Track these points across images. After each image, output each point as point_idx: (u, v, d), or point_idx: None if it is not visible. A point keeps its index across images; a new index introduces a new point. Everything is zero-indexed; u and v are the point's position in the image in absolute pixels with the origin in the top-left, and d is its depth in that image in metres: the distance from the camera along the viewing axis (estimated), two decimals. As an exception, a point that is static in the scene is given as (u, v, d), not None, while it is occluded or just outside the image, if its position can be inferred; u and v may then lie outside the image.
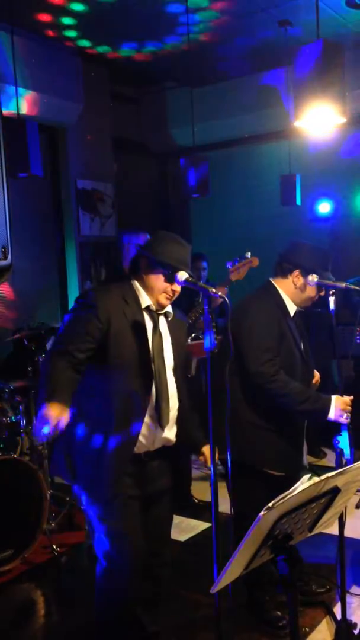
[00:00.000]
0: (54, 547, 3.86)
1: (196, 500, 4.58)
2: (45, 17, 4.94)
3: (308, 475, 1.69)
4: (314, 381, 3.16)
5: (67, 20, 5.02)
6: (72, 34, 5.31)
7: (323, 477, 1.67)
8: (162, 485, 2.58)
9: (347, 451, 2.71)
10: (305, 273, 2.94)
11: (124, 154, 6.83)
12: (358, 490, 3.98)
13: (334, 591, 3.22)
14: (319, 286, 2.95)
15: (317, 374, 3.20)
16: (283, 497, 1.57)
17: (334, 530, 2.62)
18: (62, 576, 3.74)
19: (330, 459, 5.29)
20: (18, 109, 4.39)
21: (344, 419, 2.77)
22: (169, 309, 2.55)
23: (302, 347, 3.03)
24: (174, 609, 3.15)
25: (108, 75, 6.29)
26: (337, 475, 1.72)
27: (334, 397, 2.81)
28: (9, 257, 1.55)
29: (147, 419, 2.42)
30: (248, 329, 2.87)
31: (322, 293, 2.98)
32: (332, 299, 2.85)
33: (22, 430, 4.10)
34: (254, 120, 6.47)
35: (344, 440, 2.73)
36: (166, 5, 4.75)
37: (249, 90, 6.40)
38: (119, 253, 4.01)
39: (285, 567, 1.72)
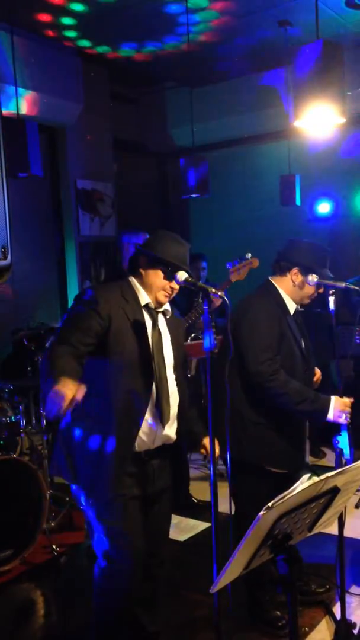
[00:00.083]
0: (54, 547, 3.86)
1: (195, 500, 4.58)
2: (45, 17, 4.94)
3: (308, 475, 1.69)
4: (315, 379, 3.16)
5: (67, 20, 5.03)
6: (72, 34, 5.31)
7: (322, 477, 1.67)
8: (162, 484, 2.58)
9: (346, 451, 2.72)
10: (303, 271, 2.94)
11: (124, 154, 6.84)
12: (358, 490, 3.98)
13: (333, 591, 3.22)
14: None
15: (318, 372, 3.20)
16: (282, 497, 1.57)
17: (333, 530, 2.63)
18: (61, 576, 3.74)
19: (330, 459, 5.29)
20: (18, 109, 4.39)
21: (343, 419, 2.77)
22: (167, 306, 2.56)
23: (303, 345, 3.04)
24: (173, 609, 3.15)
25: (108, 75, 6.29)
26: (336, 475, 1.72)
27: (333, 398, 2.81)
28: (9, 257, 1.55)
29: (148, 416, 2.42)
30: (248, 328, 2.87)
31: (321, 290, 2.99)
32: (331, 299, 2.85)
33: (21, 430, 4.10)
34: (254, 120, 6.47)
35: (343, 440, 2.74)
36: (166, 5, 4.75)
37: (248, 90, 6.40)
38: (119, 253, 4.02)
39: (285, 567, 1.72)
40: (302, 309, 3.16)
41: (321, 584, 3.25)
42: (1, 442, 3.92)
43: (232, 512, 2.42)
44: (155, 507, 2.58)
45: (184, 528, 4.20)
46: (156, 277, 2.45)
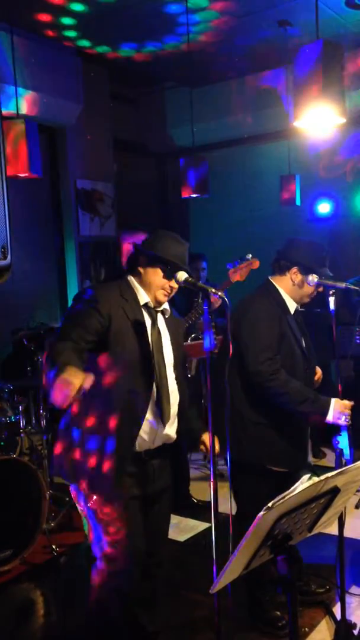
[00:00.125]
0: (53, 547, 3.85)
1: (195, 500, 4.58)
2: (45, 17, 4.94)
3: (307, 475, 1.69)
4: (316, 378, 3.16)
5: (66, 20, 5.02)
6: (71, 34, 5.31)
7: (322, 477, 1.67)
8: (162, 484, 2.58)
9: (346, 451, 2.72)
10: (303, 270, 2.95)
11: (124, 154, 6.83)
12: (358, 491, 3.98)
13: (333, 591, 3.22)
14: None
15: (319, 371, 3.20)
16: (282, 497, 1.57)
17: (333, 530, 2.63)
18: (61, 576, 3.74)
19: (330, 459, 5.29)
20: (18, 109, 4.39)
21: (342, 421, 2.76)
22: (166, 306, 2.56)
23: (304, 344, 3.04)
24: (173, 609, 3.15)
25: (108, 75, 6.29)
26: (336, 475, 1.72)
27: (333, 400, 2.81)
28: (9, 257, 1.55)
29: (148, 415, 2.42)
30: (248, 328, 2.87)
31: (321, 289, 2.99)
32: (331, 299, 2.85)
33: (21, 430, 4.10)
34: (254, 120, 6.47)
35: (343, 441, 2.74)
36: (166, 5, 4.75)
37: (248, 90, 6.40)
38: (119, 253, 4.02)
39: (285, 567, 1.72)
40: (302, 309, 3.16)
41: (321, 584, 3.25)
42: (1, 443, 3.92)
43: (232, 513, 2.42)
44: (155, 507, 2.58)
45: (184, 528, 4.20)
46: (155, 275, 2.45)
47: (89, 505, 2.43)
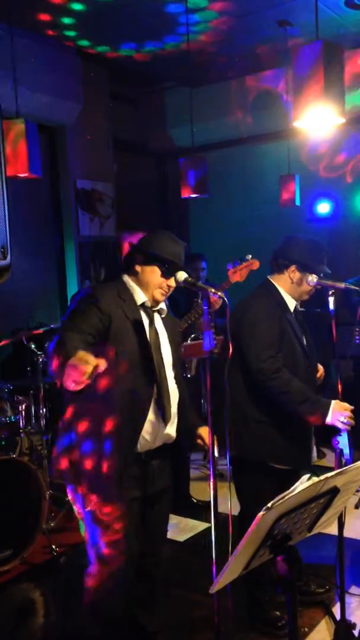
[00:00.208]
0: (53, 547, 3.85)
1: (195, 500, 4.58)
2: (44, 17, 4.94)
3: (307, 476, 1.69)
4: (318, 375, 3.16)
5: (66, 20, 5.02)
6: (71, 33, 5.31)
7: (322, 477, 1.67)
8: (162, 485, 2.58)
9: (346, 451, 2.72)
10: (301, 268, 2.95)
11: (124, 154, 6.83)
12: (357, 491, 3.98)
13: (333, 591, 3.22)
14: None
15: (321, 368, 3.21)
16: (282, 497, 1.57)
17: (333, 530, 2.63)
18: (61, 576, 3.74)
19: (329, 459, 5.29)
20: (17, 109, 4.38)
21: (341, 424, 2.76)
22: (162, 305, 2.55)
23: (305, 342, 3.04)
24: (173, 609, 3.15)
25: (107, 75, 6.29)
26: (336, 475, 1.72)
27: (333, 402, 2.81)
28: (8, 257, 1.55)
29: (150, 415, 2.42)
30: (248, 328, 2.88)
31: (319, 286, 3.00)
32: (331, 299, 2.85)
33: (21, 430, 4.10)
34: (253, 120, 6.47)
35: (343, 441, 2.74)
36: (166, 5, 4.75)
37: (248, 90, 6.40)
38: (119, 253, 4.01)
39: (285, 567, 1.72)
40: (302, 309, 3.16)
41: (321, 585, 3.26)
42: (1, 442, 3.92)
43: (232, 513, 2.42)
44: (155, 507, 2.58)
45: (183, 528, 4.20)
46: (153, 274, 2.45)
47: (88, 507, 2.41)
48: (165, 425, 2.47)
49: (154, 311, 2.52)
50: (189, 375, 4.61)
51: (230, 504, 2.32)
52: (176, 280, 2.41)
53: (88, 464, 2.37)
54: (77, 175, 6.10)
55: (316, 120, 3.22)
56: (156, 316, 2.53)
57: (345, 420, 2.75)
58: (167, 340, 2.55)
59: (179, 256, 2.47)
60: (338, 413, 2.77)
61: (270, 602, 3.04)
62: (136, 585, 2.57)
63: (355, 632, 2.81)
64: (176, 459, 2.64)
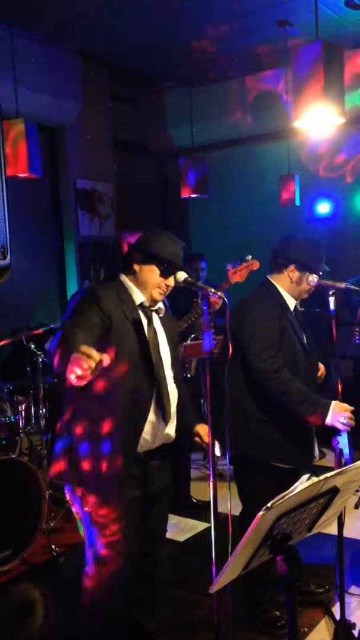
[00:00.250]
0: (53, 547, 3.85)
1: (195, 500, 4.58)
2: (44, 17, 4.92)
3: (307, 475, 1.69)
4: (319, 374, 3.17)
5: (66, 20, 5.01)
6: (71, 33, 5.29)
7: (322, 477, 1.67)
8: (161, 485, 2.57)
9: (346, 451, 2.71)
10: (300, 267, 2.95)
11: (124, 154, 6.83)
12: (357, 491, 3.98)
13: (332, 591, 3.22)
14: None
15: (322, 367, 3.21)
16: (282, 497, 1.57)
17: (332, 530, 2.63)
18: (61, 576, 3.74)
19: (329, 459, 5.29)
20: (17, 109, 4.38)
21: (341, 425, 2.76)
22: (160, 305, 2.55)
23: (305, 341, 3.04)
24: (173, 609, 3.15)
25: (107, 75, 6.29)
26: (336, 475, 1.72)
27: (333, 403, 2.81)
28: (8, 257, 1.55)
29: (150, 416, 2.42)
30: (249, 328, 2.88)
31: (319, 285, 3.00)
32: (332, 300, 2.85)
33: (21, 431, 4.10)
34: (253, 120, 6.47)
35: (343, 441, 2.74)
36: (166, 4, 4.74)
37: (248, 90, 6.40)
38: (119, 253, 4.01)
39: (284, 567, 1.72)
40: (302, 309, 3.16)
41: (320, 584, 3.26)
42: (2, 442, 3.93)
43: (232, 513, 2.42)
44: (155, 507, 2.58)
45: (183, 528, 4.20)
46: (151, 273, 2.44)
47: (86, 508, 2.41)
48: (165, 425, 2.47)
49: (152, 311, 2.52)
50: (188, 375, 4.61)
51: (230, 504, 2.32)
52: (176, 280, 2.41)
53: (87, 464, 2.37)
54: (77, 175, 6.10)
55: (316, 120, 3.23)
56: (154, 316, 2.53)
57: (345, 422, 2.75)
58: (166, 339, 2.55)
59: (178, 256, 2.46)
60: (338, 414, 2.77)
61: (270, 602, 3.04)
62: (136, 585, 2.57)
63: (355, 632, 2.81)
64: (176, 459, 2.64)
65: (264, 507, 1.53)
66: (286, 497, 1.58)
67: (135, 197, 6.96)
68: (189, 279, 2.40)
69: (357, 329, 5.04)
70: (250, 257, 3.87)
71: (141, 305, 2.47)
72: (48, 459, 4.13)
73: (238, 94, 6.47)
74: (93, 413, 2.37)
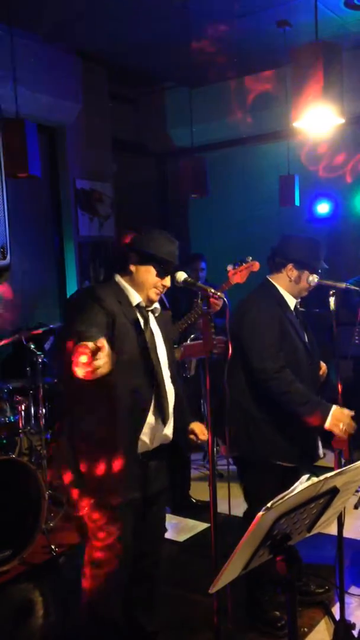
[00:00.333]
0: (53, 547, 3.85)
1: (195, 501, 4.58)
2: (44, 17, 4.92)
3: (307, 476, 1.69)
4: (320, 372, 3.17)
5: (65, 19, 5.01)
6: (71, 33, 5.29)
7: (322, 477, 1.67)
8: (160, 486, 2.57)
9: (346, 452, 2.72)
10: (298, 266, 2.96)
11: (123, 154, 6.83)
12: (357, 491, 3.97)
13: (332, 591, 3.22)
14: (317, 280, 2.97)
15: (323, 365, 3.21)
16: (281, 498, 1.57)
17: (332, 530, 2.63)
18: (60, 576, 3.74)
19: (329, 459, 5.29)
20: (17, 109, 4.38)
21: (339, 431, 2.75)
22: (156, 304, 2.54)
23: (306, 339, 3.05)
24: (173, 609, 3.15)
25: (107, 74, 6.29)
26: (335, 475, 1.72)
27: (334, 407, 2.80)
28: (8, 257, 1.55)
29: (149, 417, 2.41)
30: (249, 328, 2.89)
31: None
32: (332, 300, 2.86)
33: (20, 431, 4.10)
34: (253, 120, 6.47)
35: (342, 441, 2.74)
36: (166, 4, 4.74)
37: (247, 90, 6.40)
38: (116, 253, 4.00)
39: (284, 568, 1.72)
40: (302, 309, 3.16)
41: (320, 585, 3.26)
42: (3, 442, 3.92)
43: (231, 513, 2.42)
44: (153, 507, 2.58)
45: (183, 528, 4.20)
46: (148, 274, 2.43)
47: (83, 511, 2.39)
48: (164, 426, 2.47)
49: (148, 311, 2.52)
50: (188, 375, 4.61)
51: (229, 504, 2.32)
52: (176, 281, 2.41)
53: (86, 467, 2.36)
54: (77, 175, 6.09)
55: (315, 121, 3.23)
56: (150, 316, 2.52)
57: (343, 428, 2.74)
58: (162, 339, 2.54)
59: (174, 255, 2.45)
60: (337, 419, 2.76)
61: (270, 602, 3.04)
62: (135, 585, 2.57)
63: (355, 633, 2.81)
64: (176, 459, 2.64)
65: (263, 507, 1.53)
66: (286, 498, 1.58)
67: (135, 197, 6.96)
68: (189, 279, 2.40)
69: (357, 329, 5.04)
70: (250, 258, 3.86)
71: (138, 305, 2.46)
72: (48, 459, 4.13)
73: (238, 94, 6.47)
74: (93, 413, 2.37)
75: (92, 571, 2.43)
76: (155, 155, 7.50)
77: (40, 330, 4.45)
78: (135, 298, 2.46)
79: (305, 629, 2.99)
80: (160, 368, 2.47)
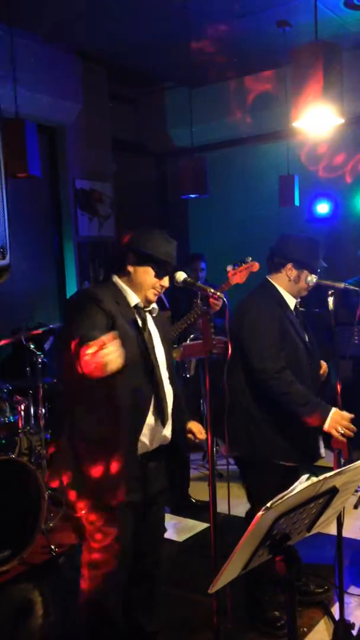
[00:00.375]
0: (52, 547, 3.85)
1: (194, 501, 4.58)
2: (44, 17, 4.93)
3: (306, 476, 1.69)
4: (321, 371, 3.17)
5: (65, 19, 5.01)
6: (71, 33, 5.29)
7: (321, 477, 1.67)
8: (159, 486, 2.57)
9: (345, 452, 2.72)
10: (297, 266, 2.96)
11: (123, 154, 6.83)
12: (356, 491, 3.98)
13: (332, 591, 3.22)
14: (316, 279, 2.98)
15: (324, 364, 3.21)
16: (281, 497, 1.57)
17: (332, 530, 2.63)
18: (60, 576, 3.74)
19: (328, 459, 5.29)
20: (17, 109, 4.38)
21: (337, 433, 2.75)
22: (154, 305, 2.53)
23: (306, 339, 3.05)
24: (172, 609, 3.15)
25: (107, 74, 6.29)
26: (335, 475, 1.72)
27: (333, 409, 2.80)
28: (8, 257, 1.55)
29: (148, 418, 2.41)
30: (249, 328, 2.89)
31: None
32: (331, 300, 2.86)
33: (20, 431, 4.10)
34: (253, 120, 6.47)
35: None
36: (166, 4, 4.74)
37: (247, 90, 6.40)
38: (115, 253, 4.01)
39: (284, 568, 1.72)
40: (302, 309, 3.17)
41: (320, 585, 3.26)
42: (2, 442, 3.92)
43: (230, 513, 2.42)
44: (153, 508, 2.58)
45: (183, 528, 4.21)
46: (146, 275, 2.42)
47: (81, 512, 2.39)
48: (163, 427, 2.47)
49: (146, 312, 2.51)
50: (188, 376, 4.61)
51: (229, 504, 2.32)
52: (175, 281, 2.40)
53: (87, 467, 2.35)
54: (77, 175, 6.09)
55: (315, 121, 3.22)
56: (148, 317, 2.52)
57: (342, 431, 2.74)
58: (160, 340, 2.54)
59: (172, 255, 2.44)
60: (336, 422, 2.76)
61: (269, 602, 3.04)
62: (135, 585, 2.57)
63: (354, 632, 2.81)
64: (175, 459, 2.64)
65: (263, 507, 1.53)
66: (285, 497, 1.58)
67: (135, 197, 6.96)
68: (189, 280, 2.40)
69: (356, 329, 5.04)
70: (250, 258, 3.86)
71: (136, 306, 2.46)
72: (47, 459, 4.13)
73: (237, 94, 6.48)
74: (93, 414, 2.36)
75: (89, 572, 2.43)
76: (155, 155, 7.50)
77: (40, 331, 4.45)
78: (133, 299, 2.45)
79: (305, 629, 2.99)
80: (159, 369, 2.47)
